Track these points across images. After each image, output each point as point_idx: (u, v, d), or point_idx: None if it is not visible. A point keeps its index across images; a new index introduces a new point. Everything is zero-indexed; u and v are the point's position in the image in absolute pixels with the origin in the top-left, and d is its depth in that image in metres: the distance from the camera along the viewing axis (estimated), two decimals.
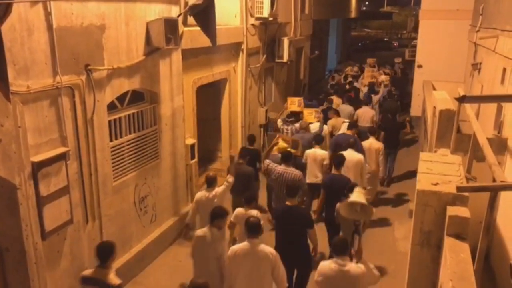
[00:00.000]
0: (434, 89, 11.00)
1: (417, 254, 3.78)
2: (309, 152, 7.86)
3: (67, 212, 4.99)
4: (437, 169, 4.06)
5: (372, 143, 8.50)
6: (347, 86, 14.48)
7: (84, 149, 5.26)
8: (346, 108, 11.02)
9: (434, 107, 6.69)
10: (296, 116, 9.71)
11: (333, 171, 6.69)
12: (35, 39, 4.42)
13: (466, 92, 8.18)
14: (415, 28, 20.52)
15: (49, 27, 4.56)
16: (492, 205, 3.28)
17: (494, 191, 3.27)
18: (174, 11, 6.77)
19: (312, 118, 9.71)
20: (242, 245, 4.65)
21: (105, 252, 4.18)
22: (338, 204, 5.58)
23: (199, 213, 6.06)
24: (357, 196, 4.95)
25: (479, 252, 3.31)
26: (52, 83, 4.68)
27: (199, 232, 5.09)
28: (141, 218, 6.59)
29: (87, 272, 4.26)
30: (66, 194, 4.95)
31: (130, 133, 6.25)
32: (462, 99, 4.19)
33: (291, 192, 5.54)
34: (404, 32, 44.40)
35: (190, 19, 6.91)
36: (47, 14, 4.53)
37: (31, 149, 4.48)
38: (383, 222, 8.33)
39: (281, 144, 7.43)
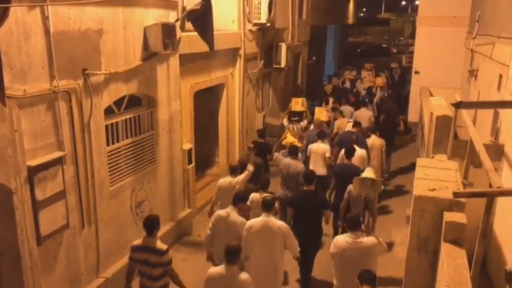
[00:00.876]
0: (431, 95, 11.04)
1: (414, 259, 3.77)
2: (312, 146, 8.45)
3: (63, 216, 4.97)
4: (434, 175, 4.06)
5: (374, 140, 8.91)
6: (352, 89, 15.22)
7: (80, 153, 5.25)
8: (347, 109, 11.54)
9: (431, 113, 6.71)
10: (299, 115, 10.18)
11: (344, 160, 7.45)
12: (32, 43, 4.42)
13: (463, 98, 8.22)
14: (412, 35, 20.61)
15: (47, 31, 4.56)
16: (489, 210, 3.28)
17: (490, 196, 3.27)
18: (171, 16, 6.78)
19: (323, 116, 10.16)
20: (257, 219, 5.23)
21: (151, 224, 4.73)
22: (349, 186, 6.40)
23: (220, 198, 6.58)
24: (368, 173, 5.99)
25: (475, 258, 3.30)
26: (49, 87, 4.67)
27: (221, 211, 5.57)
28: (137, 223, 6.56)
29: (137, 241, 4.80)
30: (62, 199, 4.93)
31: (127, 138, 6.24)
32: (458, 105, 4.20)
33: (309, 180, 6.16)
34: (402, 38, 44.57)
35: (188, 24, 6.92)
36: (45, 18, 4.53)
37: (27, 153, 4.46)
38: (380, 228, 8.31)
39: (289, 138, 8.58)
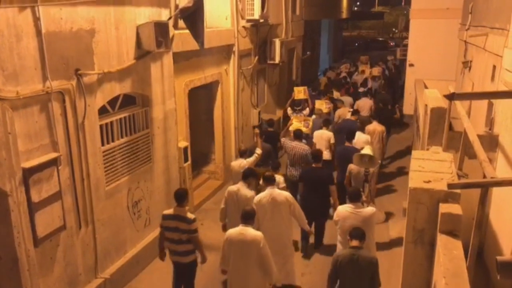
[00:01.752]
0: (426, 87, 11.05)
1: (411, 252, 3.78)
2: (317, 132, 9.31)
3: (60, 218, 4.96)
4: (429, 167, 4.06)
5: (375, 126, 9.66)
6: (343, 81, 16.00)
7: (75, 154, 5.24)
8: (347, 99, 12.38)
9: (426, 105, 6.71)
10: (302, 104, 10.73)
11: (346, 143, 8.20)
12: (24, 45, 4.40)
13: (457, 90, 8.22)
14: (406, 28, 20.69)
15: (38, 32, 4.54)
16: (483, 201, 3.29)
17: (484, 187, 3.28)
18: (164, 15, 6.76)
19: (324, 108, 10.75)
20: (265, 193, 5.92)
21: (181, 196, 5.44)
22: (350, 165, 7.29)
23: (232, 178, 7.33)
24: (366, 150, 6.97)
25: (471, 248, 3.32)
26: (42, 88, 4.65)
27: (232, 187, 6.37)
28: (134, 223, 6.56)
29: (168, 211, 5.50)
30: (58, 200, 4.92)
31: (122, 137, 6.23)
32: (451, 97, 4.21)
33: (316, 158, 7.16)
34: (396, 31, 44.61)
35: (181, 22, 6.90)
36: (36, 19, 4.51)
37: (21, 155, 4.45)
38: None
39: (295, 124, 9.31)
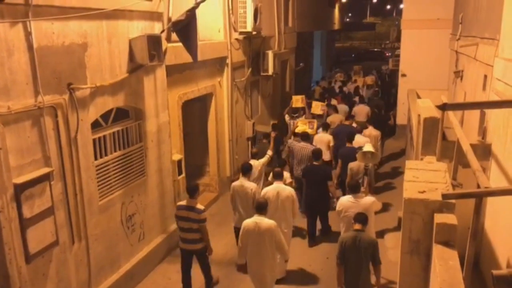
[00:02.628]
0: (419, 97, 11.12)
1: (407, 262, 3.77)
2: (317, 136, 9.99)
3: (52, 233, 4.90)
4: (423, 177, 4.07)
5: (371, 131, 10.35)
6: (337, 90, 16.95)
7: (68, 168, 5.19)
8: (343, 107, 12.96)
9: (419, 115, 6.74)
10: (299, 111, 11.62)
11: (347, 144, 8.87)
12: (15, 60, 4.38)
13: (449, 99, 8.25)
14: (398, 38, 20.90)
15: (30, 47, 4.53)
16: (478, 211, 3.29)
17: (478, 197, 3.28)
18: (157, 28, 6.78)
19: (318, 110, 11.52)
20: (271, 187, 6.74)
21: (193, 190, 6.20)
22: (350, 164, 8.05)
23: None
24: (368, 147, 7.59)
25: (467, 258, 3.30)
26: (34, 103, 4.62)
27: (236, 182, 7.00)
28: (128, 237, 6.49)
29: (182, 202, 6.24)
30: (51, 215, 4.86)
31: (115, 151, 6.19)
32: (443, 107, 4.23)
33: (316, 156, 7.97)
34: (388, 42, 45.02)
35: (174, 35, 6.92)
36: (28, 34, 4.49)
37: (13, 171, 4.41)
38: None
39: (301, 127, 10.01)
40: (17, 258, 4.48)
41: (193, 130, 9.86)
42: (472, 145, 4.45)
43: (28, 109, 4.55)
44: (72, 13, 4.99)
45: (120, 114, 6.35)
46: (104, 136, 5.97)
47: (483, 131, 6.34)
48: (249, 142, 11.47)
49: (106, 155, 6.01)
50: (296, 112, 11.50)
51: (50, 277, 5.01)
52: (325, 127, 10.19)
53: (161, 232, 7.35)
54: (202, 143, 9.87)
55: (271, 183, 7.00)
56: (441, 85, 12.69)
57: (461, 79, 9.34)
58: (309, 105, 12.32)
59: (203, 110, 9.69)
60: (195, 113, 9.78)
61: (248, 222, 5.58)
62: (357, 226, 5.45)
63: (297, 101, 11.70)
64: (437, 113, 5.63)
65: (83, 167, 5.42)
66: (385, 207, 8.85)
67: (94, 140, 5.70)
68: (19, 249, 4.50)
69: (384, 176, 11.37)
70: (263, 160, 8.11)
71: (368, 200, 6.39)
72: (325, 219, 8.17)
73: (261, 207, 5.61)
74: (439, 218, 3.38)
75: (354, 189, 6.44)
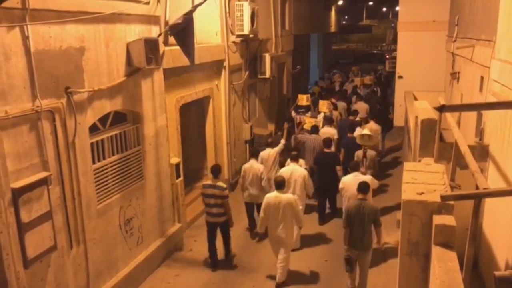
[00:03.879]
0: (416, 99, 11.15)
1: (406, 264, 3.76)
2: (323, 130, 10.68)
3: (50, 238, 4.88)
4: (421, 179, 4.07)
5: (372, 125, 11.07)
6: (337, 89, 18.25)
7: (66, 173, 5.18)
8: (342, 104, 14.00)
9: (416, 117, 6.76)
10: (305, 108, 12.57)
11: (349, 135, 10.00)
12: (12, 64, 4.37)
13: (446, 101, 8.25)
14: (394, 40, 21.00)
15: (27, 51, 4.52)
16: (477, 212, 3.29)
17: (477, 198, 3.29)
18: (154, 31, 6.78)
19: (325, 108, 12.12)
20: (287, 168, 7.89)
21: (216, 171, 7.13)
22: (357, 152, 9.04)
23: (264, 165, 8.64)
24: (365, 131, 9.20)
25: (466, 260, 3.31)
26: (32, 107, 4.61)
27: (246, 164, 8.24)
28: (127, 241, 6.47)
29: (207, 181, 7.21)
30: (49, 220, 4.85)
31: (113, 155, 6.18)
32: (441, 109, 4.24)
33: (327, 145, 9.02)
34: (384, 44, 45.11)
35: (171, 39, 6.92)
36: (25, 38, 4.49)
37: (11, 175, 4.39)
38: (372, 233, 8.32)
39: (309, 122, 10.85)
40: (15, 263, 4.46)
41: (191, 133, 9.86)
42: (469, 147, 4.46)
43: (25, 113, 4.54)
44: (69, 17, 5.00)
45: (118, 118, 6.35)
46: (102, 140, 5.96)
47: (480, 133, 6.35)
48: (247, 145, 11.48)
49: (104, 158, 6.00)
50: (303, 108, 12.58)
51: (49, 282, 4.99)
52: (329, 121, 11.22)
53: (159, 235, 7.33)
54: (200, 146, 9.86)
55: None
56: (437, 87, 12.73)
57: (458, 80, 9.36)
58: (315, 103, 13.24)
59: (201, 113, 9.69)
60: (193, 116, 9.78)
61: (270, 196, 6.56)
62: (360, 196, 6.25)
63: (302, 99, 12.64)
64: (434, 115, 5.65)
65: (81, 171, 5.40)
66: (384, 210, 9.15)
67: (92, 144, 5.69)
68: (17, 254, 4.48)
69: (386, 166, 12.37)
70: (278, 148, 9.03)
71: (366, 177, 7.27)
72: (333, 199, 9.16)
73: (280, 184, 6.59)
74: (438, 219, 3.38)
75: (354, 168, 7.52)
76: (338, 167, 8.81)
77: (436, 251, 3.25)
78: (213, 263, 7.29)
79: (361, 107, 13.39)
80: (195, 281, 6.94)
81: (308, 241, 8.14)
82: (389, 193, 10.35)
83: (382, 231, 6.33)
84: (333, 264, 7.42)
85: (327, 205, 9.22)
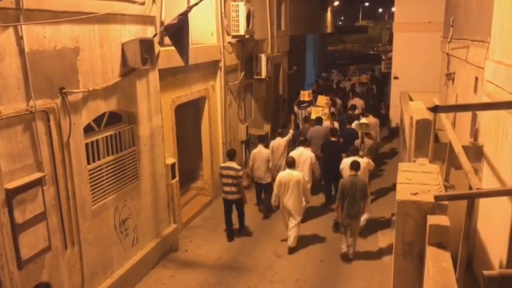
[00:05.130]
0: (411, 99, 11.19)
1: (401, 265, 3.77)
2: (324, 123, 11.29)
3: (45, 239, 4.86)
4: (416, 179, 4.08)
5: (370, 119, 11.59)
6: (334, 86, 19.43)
7: (61, 173, 5.16)
8: (338, 100, 14.88)
9: (411, 118, 6.78)
10: (308, 103, 13.44)
11: (348, 126, 10.93)
12: (6, 64, 4.35)
13: (441, 102, 8.27)
14: (390, 41, 21.07)
15: (21, 51, 4.51)
16: (470, 212, 3.31)
17: (470, 198, 3.30)
18: (149, 31, 6.76)
19: (323, 103, 12.70)
20: (296, 151, 9.03)
21: (231, 154, 8.24)
22: (356, 141, 10.01)
23: (273, 153, 9.74)
24: (363, 120, 10.36)
25: (460, 260, 3.32)
26: (26, 107, 4.59)
27: (255, 150, 9.33)
28: (122, 242, 6.46)
29: (224, 164, 8.31)
30: (43, 220, 4.83)
31: (108, 155, 6.17)
32: (434, 109, 4.25)
33: (333, 133, 10.10)
34: (380, 45, 45.22)
35: (167, 39, 6.90)
36: (19, 38, 4.47)
37: (4, 176, 4.37)
38: (367, 233, 8.36)
39: (314, 113, 11.61)
40: (9, 264, 4.43)
41: (186, 134, 9.84)
42: (464, 147, 4.48)
43: (19, 113, 4.52)
44: (64, 17, 4.98)
45: (113, 118, 6.33)
46: (97, 140, 5.94)
47: (475, 133, 6.38)
48: (243, 146, 11.48)
49: (99, 159, 5.98)
50: (305, 103, 13.49)
51: None
52: (333, 116, 12.13)
53: (155, 236, 7.32)
54: (196, 147, 9.85)
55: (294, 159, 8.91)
56: (433, 88, 12.78)
57: (453, 81, 9.40)
58: (316, 99, 13.86)
59: (197, 114, 9.68)
60: (188, 116, 9.77)
61: (283, 174, 7.79)
62: (352, 172, 7.33)
63: (304, 95, 13.67)
64: (429, 115, 5.67)
65: (75, 172, 5.39)
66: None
67: (86, 144, 5.67)
68: (11, 255, 4.46)
69: (382, 156, 13.14)
70: (287, 137, 10.06)
71: (364, 160, 8.39)
72: (338, 182, 9.55)
73: (291, 164, 7.84)
74: (432, 219, 3.39)
75: (354, 152, 8.51)
76: (343, 154, 9.53)
77: (430, 251, 3.26)
78: (229, 235, 8.33)
79: (357, 102, 14.21)
80: (190, 282, 6.93)
81: (306, 241, 8.17)
82: (384, 177, 11.49)
83: (368, 202, 7.60)
84: (329, 264, 7.44)
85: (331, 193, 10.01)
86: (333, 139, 10.06)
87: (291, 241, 7.80)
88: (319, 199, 10.06)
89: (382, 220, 8.88)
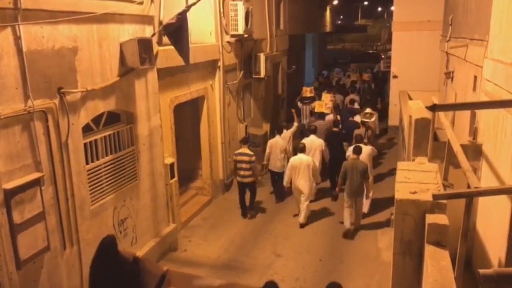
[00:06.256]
0: (410, 98, 11.16)
1: (400, 263, 3.77)
2: (327, 117, 12.22)
3: (43, 239, 4.85)
4: (414, 178, 4.08)
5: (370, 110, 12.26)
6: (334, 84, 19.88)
7: (59, 173, 5.15)
8: (338, 96, 15.39)
9: (410, 116, 6.78)
10: (310, 98, 14.10)
11: (350, 119, 11.79)
12: (4, 64, 4.35)
13: (441, 101, 8.29)
14: (389, 40, 21.07)
15: (19, 51, 4.50)
16: (468, 211, 3.31)
17: (469, 197, 3.30)
18: (148, 31, 6.75)
19: (328, 101, 13.15)
20: (308, 138, 9.90)
21: (245, 140, 9.27)
22: (356, 131, 10.64)
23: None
24: (367, 109, 11.60)
25: (458, 258, 3.32)
26: (24, 107, 4.59)
27: (272, 140, 10.14)
28: (121, 241, 6.45)
29: (239, 150, 9.10)
30: (42, 221, 4.82)
31: (107, 155, 6.16)
32: (433, 108, 4.25)
33: (336, 124, 10.97)
34: (379, 44, 45.21)
35: (165, 38, 6.90)
36: (17, 38, 4.47)
37: (3, 176, 4.36)
38: (366, 232, 8.37)
39: (318, 108, 12.56)
40: (8, 264, 4.43)
41: (185, 134, 9.84)
42: (463, 146, 4.48)
43: (18, 113, 4.52)
44: (62, 17, 4.97)
45: (111, 118, 6.32)
46: (96, 140, 5.94)
47: (473, 132, 6.38)
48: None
49: (97, 159, 5.98)
50: (308, 99, 14.11)
51: (42, 283, 4.97)
52: (336, 110, 12.77)
53: (154, 236, 7.31)
54: (195, 146, 9.84)
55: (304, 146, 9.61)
56: (432, 86, 12.77)
57: (452, 80, 9.40)
58: (318, 95, 14.58)
59: (195, 113, 9.67)
60: (187, 116, 9.76)
61: (295, 158, 8.77)
62: (355, 156, 8.31)
63: (306, 91, 14.32)
64: (428, 114, 5.67)
65: (74, 172, 5.38)
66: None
67: (85, 144, 5.67)
68: (10, 255, 4.46)
69: (381, 146, 13.61)
70: (292, 129, 10.98)
71: (367, 147, 9.18)
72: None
73: (301, 149, 8.84)
74: (430, 218, 3.39)
75: (358, 140, 9.21)
76: (345, 143, 10.54)
77: (429, 250, 3.27)
78: (243, 212, 9.33)
79: (354, 98, 15.06)
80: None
81: (306, 240, 8.26)
82: (383, 165, 12.39)
83: (369, 183, 8.56)
84: (328, 263, 7.45)
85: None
86: (335, 129, 10.88)
87: (302, 218, 8.83)
88: (327, 184, 10.74)
89: (381, 220, 8.88)
